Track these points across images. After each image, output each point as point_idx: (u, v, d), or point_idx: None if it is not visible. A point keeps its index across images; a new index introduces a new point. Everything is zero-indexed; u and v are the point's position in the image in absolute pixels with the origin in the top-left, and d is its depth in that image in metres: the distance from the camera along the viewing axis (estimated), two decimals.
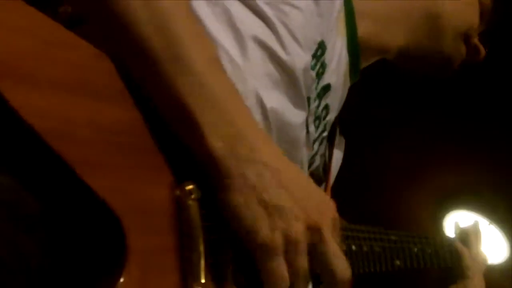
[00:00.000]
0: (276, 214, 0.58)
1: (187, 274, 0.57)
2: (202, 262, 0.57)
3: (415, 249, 1.11)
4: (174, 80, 0.57)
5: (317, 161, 0.97)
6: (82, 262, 0.53)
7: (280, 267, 0.59)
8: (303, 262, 0.60)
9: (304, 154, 0.87)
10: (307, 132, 0.88)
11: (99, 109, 0.54)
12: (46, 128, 0.49)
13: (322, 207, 0.63)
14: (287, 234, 0.59)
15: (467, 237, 1.33)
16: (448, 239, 1.32)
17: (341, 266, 0.63)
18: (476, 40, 1.10)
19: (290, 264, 0.60)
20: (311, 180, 0.67)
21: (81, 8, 0.62)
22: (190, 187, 0.58)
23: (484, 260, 1.34)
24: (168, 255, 0.57)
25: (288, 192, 0.60)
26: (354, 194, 2.14)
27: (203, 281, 0.57)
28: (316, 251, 0.62)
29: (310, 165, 0.93)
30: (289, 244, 0.59)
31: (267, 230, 0.58)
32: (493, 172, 2.32)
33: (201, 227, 0.58)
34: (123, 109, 0.57)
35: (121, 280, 0.51)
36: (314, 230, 0.61)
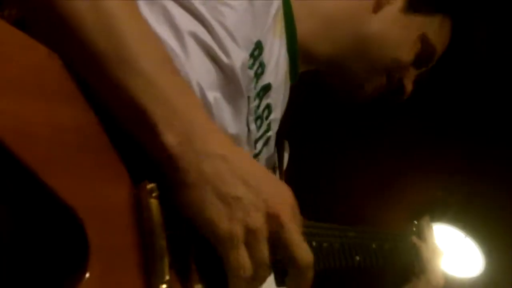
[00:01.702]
0: (234, 206, 0.59)
1: (151, 272, 0.57)
2: (166, 260, 0.57)
3: (374, 245, 1.13)
4: (124, 82, 0.58)
5: (261, 161, 0.97)
6: (44, 263, 0.53)
7: (241, 257, 0.60)
8: (264, 250, 0.61)
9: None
10: (248, 130, 0.89)
11: (55, 110, 0.55)
12: (4, 128, 0.49)
13: (280, 195, 0.64)
14: (246, 224, 0.60)
15: (422, 231, 1.35)
16: (405, 234, 1.34)
17: (303, 252, 0.64)
18: (405, 80, 1.09)
19: (252, 254, 0.61)
20: (266, 169, 0.68)
21: (25, 11, 0.62)
22: (151, 185, 0.58)
23: (441, 253, 1.36)
24: (131, 253, 0.57)
25: (245, 182, 0.61)
26: (322, 202, 2.16)
27: (167, 277, 0.57)
28: (277, 239, 0.62)
29: None
30: (249, 234, 0.60)
31: (226, 222, 0.59)
32: (469, 184, 2.35)
33: (163, 225, 0.59)
34: (78, 110, 0.57)
35: (85, 277, 0.51)
36: (273, 218, 0.62)
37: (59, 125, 0.55)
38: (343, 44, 1.03)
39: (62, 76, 0.57)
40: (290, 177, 1.06)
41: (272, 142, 1.00)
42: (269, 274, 0.65)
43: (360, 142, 2.41)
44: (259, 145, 0.94)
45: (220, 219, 0.59)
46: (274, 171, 1.04)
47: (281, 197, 0.64)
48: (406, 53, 1.06)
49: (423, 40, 1.06)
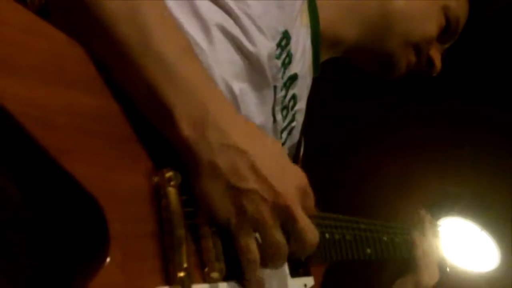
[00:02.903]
0: (243, 198, 0.61)
1: (169, 259, 0.58)
2: (184, 247, 0.58)
3: (385, 238, 1.13)
4: (145, 69, 0.59)
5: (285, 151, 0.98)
6: (65, 248, 0.54)
7: (250, 244, 0.63)
8: (274, 238, 0.63)
9: None
10: (274, 120, 0.90)
11: (76, 97, 0.56)
12: (27, 116, 0.50)
13: (291, 180, 0.66)
14: (255, 215, 0.62)
15: (422, 225, 1.35)
16: (406, 228, 1.34)
17: (311, 237, 0.67)
18: (432, 53, 1.10)
19: (263, 241, 0.64)
20: (281, 152, 0.68)
21: None
22: (170, 173, 0.59)
23: (439, 251, 1.36)
24: (150, 241, 0.58)
25: (256, 173, 0.62)
26: (338, 200, 2.16)
27: (185, 265, 0.58)
28: (286, 224, 0.65)
29: None
30: (258, 224, 0.62)
31: (235, 214, 0.61)
32: (486, 178, 2.34)
33: (182, 213, 0.59)
34: (99, 97, 0.58)
35: (106, 262, 0.52)
36: (281, 207, 0.63)
37: (80, 112, 0.55)
38: (370, 23, 1.04)
39: (83, 64, 0.58)
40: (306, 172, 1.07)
41: (295, 132, 1.00)
42: (283, 260, 0.66)
43: (373, 136, 2.40)
44: (284, 135, 0.95)
45: (229, 211, 0.61)
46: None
47: (291, 183, 0.65)
48: (432, 25, 1.07)
49: (446, 11, 1.08)
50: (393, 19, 1.04)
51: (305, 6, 0.96)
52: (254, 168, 0.62)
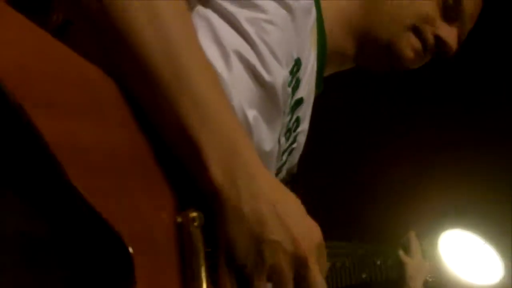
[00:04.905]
0: (266, 247, 0.63)
1: None
2: (204, 286, 0.60)
3: (378, 262, 1.16)
4: (179, 107, 0.60)
5: (283, 172, 0.99)
6: (91, 283, 0.55)
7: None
8: (286, 287, 0.65)
9: (273, 166, 0.91)
10: (279, 143, 0.91)
11: (108, 133, 0.57)
12: (60, 148, 0.51)
13: (310, 235, 0.67)
14: (275, 265, 0.64)
15: (409, 247, 1.36)
16: (396, 250, 1.35)
17: None
18: (441, 32, 1.04)
19: (276, 286, 0.66)
20: (301, 206, 0.70)
21: (77, 18, 0.64)
22: (194, 214, 0.61)
23: (426, 270, 1.37)
24: (172, 276, 0.60)
25: (280, 224, 0.63)
26: (346, 209, 2.17)
27: None
28: (301, 279, 0.66)
29: (276, 175, 0.95)
30: (275, 273, 0.64)
31: (255, 260, 0.63)
32: (489, 190, 2.35)
33: (203, 254, 0.61)
34: (130, 133, 0.60)
35: None
36: (300, 259, 0.65)
37: (111, 148, 0.57)
38: (359, 26, 1.02)
39: (117, 98, 0.59)
40: (309, 180, 1.07)
41: (295, 153, 1.01)
42: None
43: (378, 148, 2.41)
44: (284, 156, 0.96)
45: (250, 259, 0.63)
46: (290, 180, 1.05)
47: (310, 237, 0.67)
48: (424, 3, 1.03)
49: None
50: (380, 6, 1.02)
51: (315, 27, 0.96)
52: (279, 219, 0.63)
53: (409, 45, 1.04)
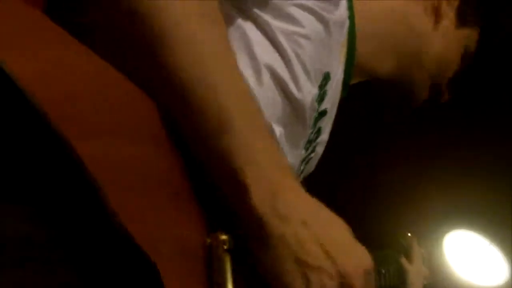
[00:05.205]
0: (311, 274, 0.62)
1: None
2: None
3: (383, 270, 1.15)
4: (223, 145, 0.60)
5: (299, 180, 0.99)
6: None
7: None
8: None
9: None
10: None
11: (146, 155, 0.57)
12: (99, 170, 0.50)
13: (357, 261, 0.66)
14: None
15: (409, 252, 1.36)
16: (396, 254, 1.35)
17: None
18: (443, 87, 1.11)
19: None
20: (347, 231, 0.69)
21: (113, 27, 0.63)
22: (224, 237, 0.60)
23: (426, 276, 1.37)
24: None
25: (324, 249, 0.62)
26: (346, 209, 2.16)
27: None
28: None
29: None
30: None
31: (299, 286, 0.61)
32: (494, 191, 2.34)
33: (232, 279, 0.60)
34: (167, 156, 0.60)
35: None
36: (346, 287, 0.64)
37: (146, 170, 0.57)
38: (406, 61, 1.04)
39: (152, 119, 0.59)
40: (309, 181, 1.07)
41: (312, 162, 1.01)
42: None
43: (382, 148, 2.41)
44: (302, 165, 0.96)
45: (295, 282, 0.62)
46: None
47: (357, 264, 0.66)
48: (452, 70, 1.09)
49: (467, 52, 1.09)
50: (428, 60, 1.05)
51: (345, 41, 0.95)
52: (322, 245, 0.62)
53: (423, 96, 1.10)
